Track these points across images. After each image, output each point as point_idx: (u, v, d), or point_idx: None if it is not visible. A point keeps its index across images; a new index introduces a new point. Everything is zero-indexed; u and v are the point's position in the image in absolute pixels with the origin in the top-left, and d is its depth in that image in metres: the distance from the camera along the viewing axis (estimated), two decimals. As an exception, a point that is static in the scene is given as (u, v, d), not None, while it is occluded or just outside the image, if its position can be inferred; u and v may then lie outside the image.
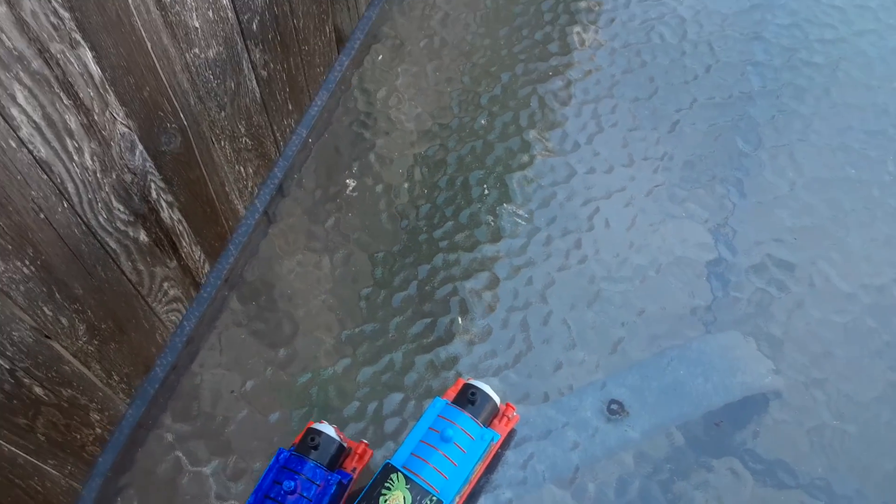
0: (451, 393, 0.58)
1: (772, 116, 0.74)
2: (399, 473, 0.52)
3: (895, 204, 0.68)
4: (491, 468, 0.58)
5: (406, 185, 0.73)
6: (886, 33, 0.80)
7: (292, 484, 0.53)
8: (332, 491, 0.53)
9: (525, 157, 0.74)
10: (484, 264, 0.68)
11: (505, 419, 0.58)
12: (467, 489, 0.55)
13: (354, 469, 0.56)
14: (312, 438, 0.54)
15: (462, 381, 0.58)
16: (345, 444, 0.56)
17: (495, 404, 0.57)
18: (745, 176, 0.71)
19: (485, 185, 0.72)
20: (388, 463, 0.53)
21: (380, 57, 0.82)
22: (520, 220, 0.70)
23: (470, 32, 0.83)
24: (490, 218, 0.70)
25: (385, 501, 0.51)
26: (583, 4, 0.84)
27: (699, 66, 0.78)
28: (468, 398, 0.56)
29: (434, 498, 0.51)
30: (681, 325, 0.63)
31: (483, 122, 0.77)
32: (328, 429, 0.55)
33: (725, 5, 0.82)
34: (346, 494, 0.55)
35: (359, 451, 0.57)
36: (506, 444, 0.59)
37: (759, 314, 0.64)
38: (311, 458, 0.54)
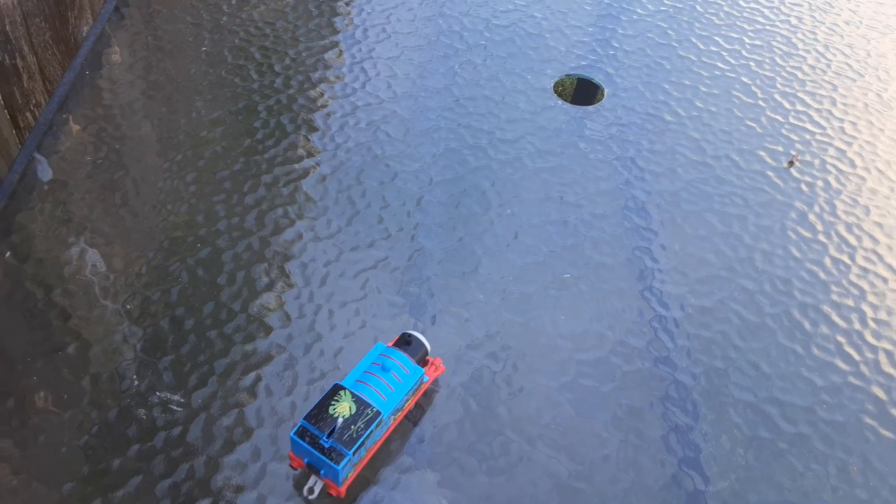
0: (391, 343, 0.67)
1: (492, 183, 0.87)
2: (346, 390, 0.61)
3: (594, 235, 0.84)
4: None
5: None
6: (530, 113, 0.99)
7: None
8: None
9: (299, 245, 0.78)
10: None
11: (433, 367, 0.67)
12: (400, 415, 0.64)
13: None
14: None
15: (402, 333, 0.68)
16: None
17: (427, 350, 0.67)
18: (483, 232, 0.82)
19: (267, 275, 0.75)
20: (337, 384, 0.61)
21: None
22: (303, 302, 0.74)
23: (221, 160, 0.87)
24: (276, 303, 0.73)
25: (333, 409, 0.59)
26: (318, 114, 0.93)
27: (426, 153, 0.90)
28: (405, 340, 0.66)
29: (373, 409, 0.60)
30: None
31: (253, 220, 0.80)
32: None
33: (435, 101, 0.96)
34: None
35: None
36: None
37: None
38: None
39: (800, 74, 1.04)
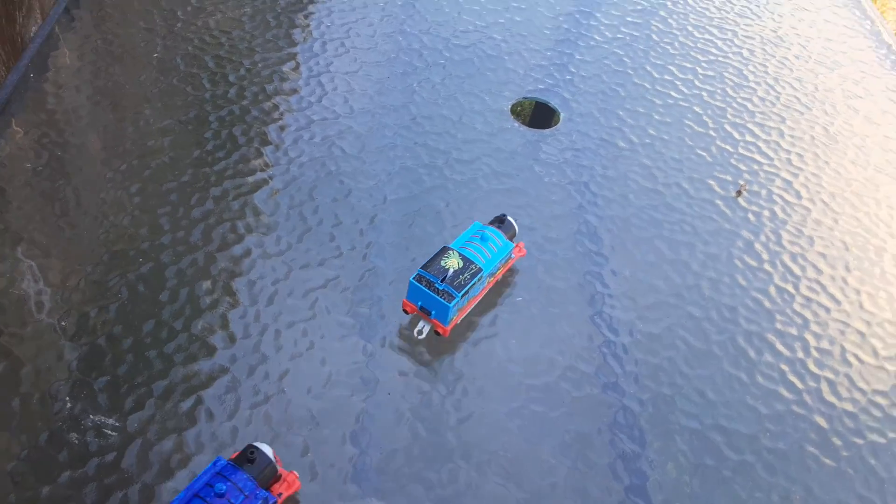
0: None
1: (446, 203, 0.86)
2: (453, 250, 0.72)
3: (546, 259, 0.84)
4: None
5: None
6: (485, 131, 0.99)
7: (224, 487, 0.54)
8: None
9: (247, 261, 0.76)
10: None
11: (518, 248, 0.78)
12: (491, 281, 0.75)
13: (281, 494, 0.58)
14: (251, 453, 0.57)
15: (499, 214, 0.79)
16: (278, 469, 0.57)
17: (515, 231, 0.78)
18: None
19: (212, 293, 0.73)
20: (445, 245, 0.73)
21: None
22: (249, 321, 0.71)
23: (168, 171, 0.84)
24: (220, 322, 0.71)
25: (445, 263, 0.70)
26: (271, 127, 0.90)
27: (381, 171, 0.88)
28: (500, 219, 0.78)
29: (477, 265, 0.71)
30: (409, 385, 0.69)
31: (200, 234, 0.77)
32: (267, 449, 0.57)
33: (392, 119, 0.94)
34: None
35: (289, 479, 0.59)
36: None
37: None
38: (246, 470, 0.56)
39: (750, 106, 1.06)
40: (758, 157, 0.98)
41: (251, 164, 0.85)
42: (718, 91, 1.07)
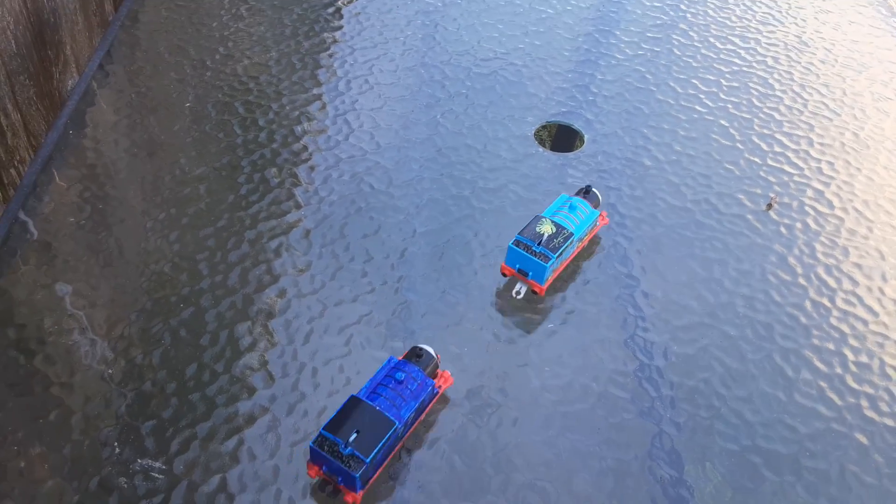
0: None
1: (475, 233, 0.87)
2: (546, 218, 0.80)
3: (576, 283, 0.84)
4: None
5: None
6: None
7: (402, 375, 0.66)
8: (426, 392, 0.66)
9: (283, 301, 0.78)
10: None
11: (602, 217, 0.87)
12: (579, 246, 0.82)
13: (440, 387, 0.69)
14: (419, 352, 0.69)
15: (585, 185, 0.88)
16: (438, 365, 0.70)
17: (598, 201, 0.87)
18: (467, 283, 0.82)
19: (251, 334, 0.75)
20: (538, 215, 0.80)
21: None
22: (287, 360, 0.73)
23: (205, 217, 0.87)
24: (259, 362, 0.73)
25: (539, 229, 0.78)
26: (301, 168, 0.93)
27: (409, 205, 0.90)
28: (585, 189, 0.86)
29: (568, 230, 0.79)
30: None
31: (237, 277, 0.80)
32: (430, 349, 0.70)
33: (418, 152, 0.96)
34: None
35: (445, 375, 0.71)
36: None
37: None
38: (415, 364, 0.68)
39: (777, 115, 1.05)
40: (787, 167, 0.97)
41: (283, 205, 0.88)
42: (744, 102, 1.07)
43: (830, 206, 0.92)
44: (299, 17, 1.16)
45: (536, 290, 0.78)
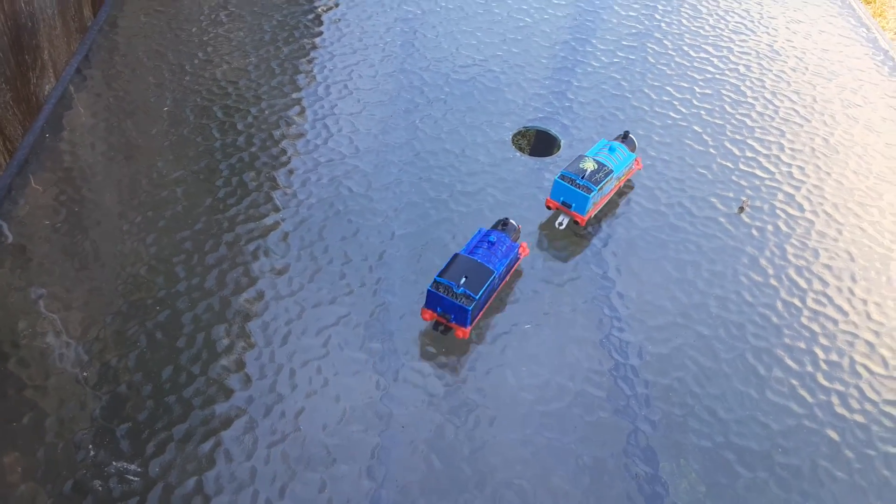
0: None
1: (453, 236, 0.88)
2: (589, 157, 0.88)
3: (553, 284, 0.85)
4: None
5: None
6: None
7: (494, 238, 0.79)
8: (514, 253, 0.80)
9: (261, 304, 0.78)
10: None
11: (637, 162, 0.95)
12: (618, 183, 0.91)
13: (521, 255, 0.82)
14: (504, 221, 0.82)
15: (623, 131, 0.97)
16: (519, 234, 0.84)
17: (635, 145, 0.96)
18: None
19: (228, 336, 0.75)
20: (581, 154, 0.90)
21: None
22: (264, 362, 0.73)
23: (182, 220, 0.87)
24: (237, 364, 0.72)
25: (583, 166, 0.87)
26: (280, 172, 0.93)
27: (388, 208, 0.90)
28: (624, 135, 0.95)
29: (608, 168, 0.87)
30: (422, 417, 0.70)
31: (214, 280, 0.79)
32: (514, 222, 0.83)
33: (396, 156, 0.97)
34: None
35: (524, 245, 0.83)
36: None
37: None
38: (502, 232, 0.81)
39: (748, 121, 1.07)
40: (759, 172, 0.99)
41: (261, 208, 0.88)
42: (717, 108, 1.08)
43: (801, 209, 0.94)
44: (279, 24, 1.16)
45: (578, 220, 0.87)
